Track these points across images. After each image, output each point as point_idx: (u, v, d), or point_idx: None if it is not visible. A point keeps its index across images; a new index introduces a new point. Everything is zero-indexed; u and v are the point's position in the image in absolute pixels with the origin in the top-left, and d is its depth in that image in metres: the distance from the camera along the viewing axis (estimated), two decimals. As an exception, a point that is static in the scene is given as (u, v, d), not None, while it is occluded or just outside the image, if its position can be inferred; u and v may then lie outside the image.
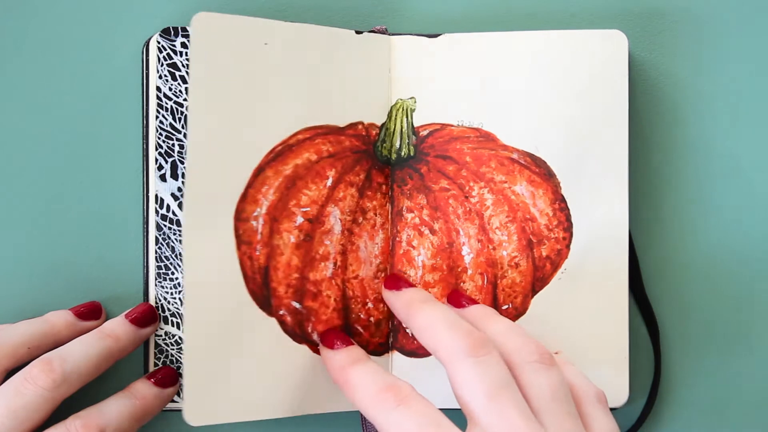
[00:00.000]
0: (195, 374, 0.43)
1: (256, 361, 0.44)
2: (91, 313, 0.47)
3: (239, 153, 0.44)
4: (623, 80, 0.48)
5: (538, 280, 0.48)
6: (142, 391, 0.46)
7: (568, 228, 0.48)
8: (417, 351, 0.48)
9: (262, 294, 0.45)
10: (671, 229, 0.50)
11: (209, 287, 0.43)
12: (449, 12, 0.50)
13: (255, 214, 0.45)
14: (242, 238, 0.44)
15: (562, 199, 0.48)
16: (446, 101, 0.48)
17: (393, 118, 0.48)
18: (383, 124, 0.48)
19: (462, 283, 0.48)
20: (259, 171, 0.45)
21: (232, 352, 0.44)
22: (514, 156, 0.48)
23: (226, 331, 0.44)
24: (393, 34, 0.48)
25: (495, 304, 0.48)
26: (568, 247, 0.48)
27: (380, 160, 0.48)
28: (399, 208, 0.48)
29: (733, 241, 0.50)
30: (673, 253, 0.50)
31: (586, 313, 0.48)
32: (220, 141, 0.44)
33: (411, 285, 0.46)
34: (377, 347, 0.48)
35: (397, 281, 0.46)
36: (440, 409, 0.47)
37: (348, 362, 0.42)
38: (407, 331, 0.48)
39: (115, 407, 0.44)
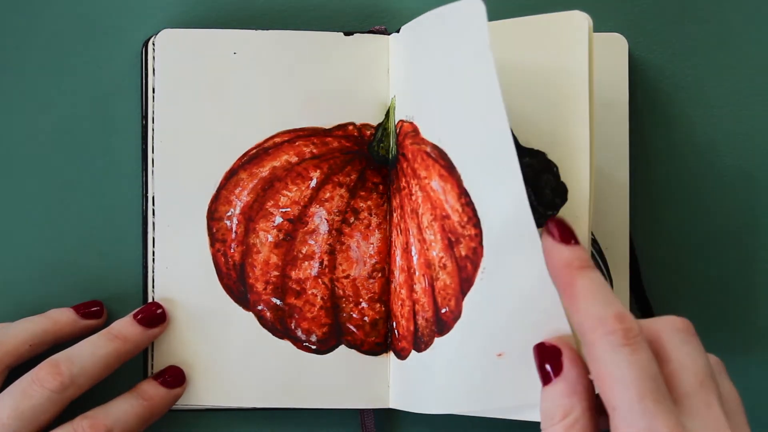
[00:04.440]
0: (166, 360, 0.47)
1: (233, 351, 0.47)
2: (93, 311, 0.47)
3: (209, 156, 0.47)
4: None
5: (464, 281, 0.42)
6: (149, 392, 0.46)
7: (478, 224, 0.41)
8: (416, 351, 0.47)
9: (238, 290, 0.47)
10: (672, 229, 0.50)
11: (181, 281, 0.47)
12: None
13: (228, 214, 0.47)
14: (216, 236, 0.47)
15: (466, 194, 0.41)
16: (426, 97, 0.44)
17: (391, 117, 0.48)
18: (380, 124, 0.48)
19: (415, 285, 0.45)
20: (232, 173, 0.47)
21: (208, 342, 0.47)
22: (428, 149, 0.43)
23: (200, 322, 0.47)
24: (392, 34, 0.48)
25: (435, 308, 0.44)
26: (481, 244, 0.41)
27: (377, 160, 0.48)
28: (390, 208, 0.48)
29: (733, 241, 0.50)
30: (673, 253, 0.50)
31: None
32: (187, 145, 0.47)
33: (578, 241, 0.38)
34: (374, 347, 0.48)
35: (569, 235, 0.38)
36: (440, 414, 0.47)
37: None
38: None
39: (122, 408, 0.44)
